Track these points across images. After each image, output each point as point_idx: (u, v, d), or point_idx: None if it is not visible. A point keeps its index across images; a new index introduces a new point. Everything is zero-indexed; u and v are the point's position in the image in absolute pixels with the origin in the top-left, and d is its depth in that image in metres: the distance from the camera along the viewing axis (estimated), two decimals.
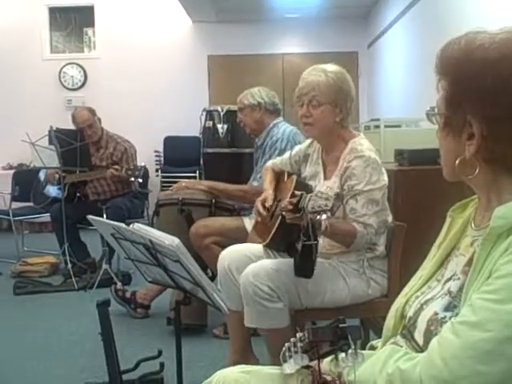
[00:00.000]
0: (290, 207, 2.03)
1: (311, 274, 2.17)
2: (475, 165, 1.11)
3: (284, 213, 2.12)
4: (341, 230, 2.33)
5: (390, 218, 2.54)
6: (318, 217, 1.93)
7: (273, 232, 2.40)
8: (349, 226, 2.35)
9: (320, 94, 2.47)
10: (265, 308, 2.33)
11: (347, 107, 2.51)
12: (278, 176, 2.80)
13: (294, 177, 2.57)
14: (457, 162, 1.13)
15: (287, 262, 2.36)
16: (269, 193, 2.67)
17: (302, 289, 2.36)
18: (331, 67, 2.52)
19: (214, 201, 3.48)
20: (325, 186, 2.50)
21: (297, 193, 2.03)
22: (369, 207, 2.36)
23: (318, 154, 2.64)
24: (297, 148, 2.79)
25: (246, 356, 2.75)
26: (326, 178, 2.55)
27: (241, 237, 3.08)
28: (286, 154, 2.83)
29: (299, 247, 2.07)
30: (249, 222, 3.30)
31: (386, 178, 2.46)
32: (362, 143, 2.47)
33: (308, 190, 2.41)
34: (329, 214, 1.93)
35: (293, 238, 2.24)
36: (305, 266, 2.14)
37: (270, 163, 2.92)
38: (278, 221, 2.36)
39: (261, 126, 3.60)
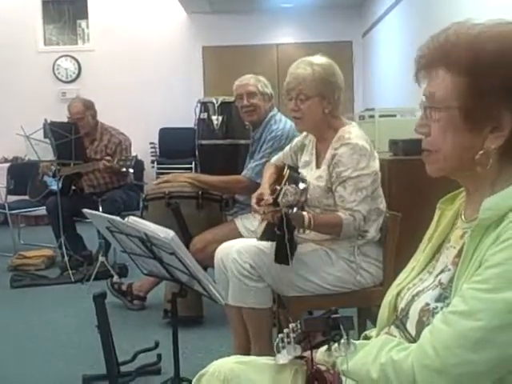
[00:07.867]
0: (270, 201, 2.19)
1: (288, 263, 2.26)
2: (490, 157, 1.09)
3: (265, 207, 2.25)
4: (325, 222, 2.38)
5: (382, 206, 2.54)
6: (290, 211, 2.08)
7: (264, 225, 2.41)
8: (332, 216, 2.38)
9: (306, 88, 2.47)
10: (246, 286, 2.41)
11: (335, 98, 2.50)
12: (281, 170, 2.80)
13: (288, 170, 2.60)
14: (478, 155, 1.08)
15: (272, 246, 2.39)
16: (264, 187, 2.68)
17: (285, 272, 2.40)
18: (318, 59, 2.51)
19: (200, 192, 3.42)
20: (316, 174, 2.53)
21: (277, 187, 2.17)
22: (358, 194, 2.37)
23: (313, 144, 2.66)
24: (296, 139, 2.82)
25: (249, 350, 2.74)
26: (318, 167, 2.57)
27: (236, 238, 3.05)
28: (287, 147, 2.85)
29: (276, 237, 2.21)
30: (241, 224, 3.29)
31: (376, 165, 2.47)
32: (350, 131, 2.47)
33: (298, 182, 2.44)
34: (295, 209, 2.08)
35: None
36: (281, 256, 2.26)
37: (273, 159, 2.95)
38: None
39: (264, 116, 3.52)
